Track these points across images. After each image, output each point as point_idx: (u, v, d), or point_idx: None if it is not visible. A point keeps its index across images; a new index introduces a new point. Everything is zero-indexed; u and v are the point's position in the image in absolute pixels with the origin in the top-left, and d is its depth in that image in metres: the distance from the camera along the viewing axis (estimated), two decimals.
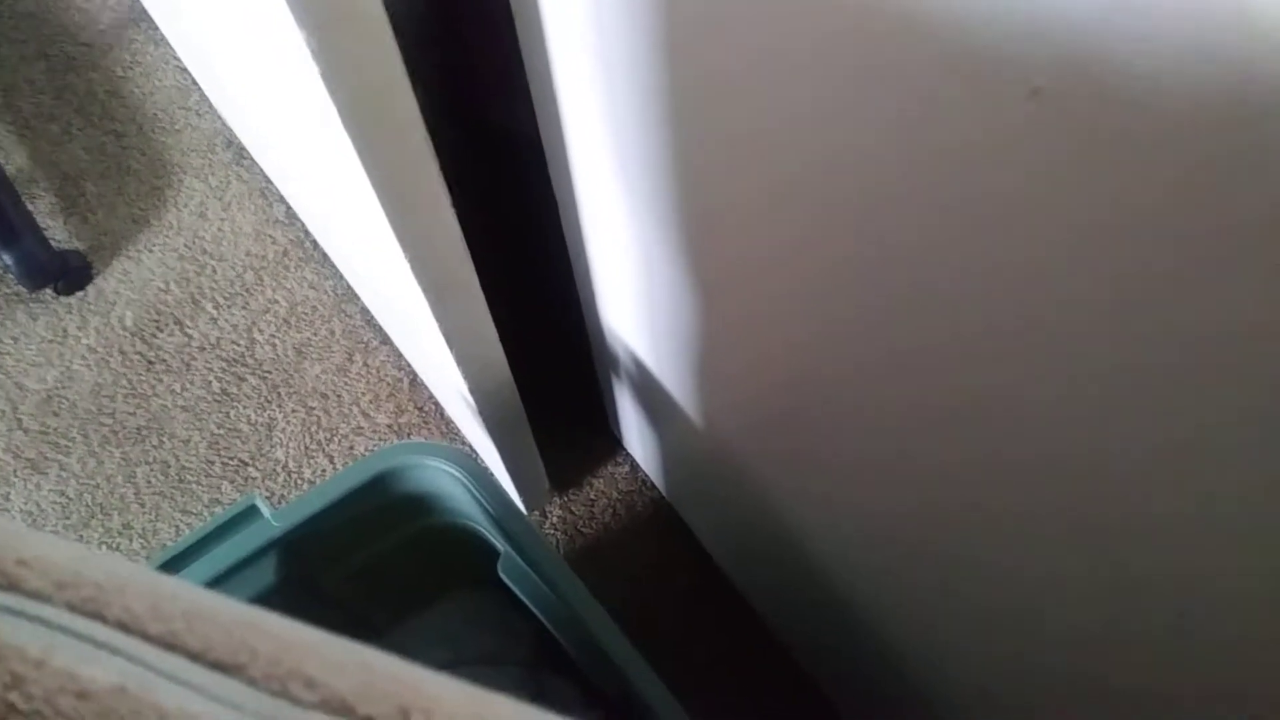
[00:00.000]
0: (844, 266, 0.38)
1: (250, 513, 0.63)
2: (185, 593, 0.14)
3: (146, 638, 0.13)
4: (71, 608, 0.13)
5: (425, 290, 0.55)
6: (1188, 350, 0.25)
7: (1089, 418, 0.31)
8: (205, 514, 1.03)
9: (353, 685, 0.13)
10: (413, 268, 0.53)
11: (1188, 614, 0.33)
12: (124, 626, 0.13)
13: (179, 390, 1.09)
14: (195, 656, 0.13)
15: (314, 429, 1.07)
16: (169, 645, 0.13)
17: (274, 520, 0.63)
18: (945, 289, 0.33)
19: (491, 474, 0.66)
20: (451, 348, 0.62)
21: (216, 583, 0.62)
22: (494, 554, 0.68)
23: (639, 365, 0.76)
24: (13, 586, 0.13)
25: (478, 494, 0.65)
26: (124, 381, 1.10)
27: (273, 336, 1.12)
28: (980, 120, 0.26)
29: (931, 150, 0.29)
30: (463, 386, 0.69)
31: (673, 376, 0.70)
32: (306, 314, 1.13)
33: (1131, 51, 0.21)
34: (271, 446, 1.06)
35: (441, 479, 0.68)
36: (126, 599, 0.14)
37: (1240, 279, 0.22)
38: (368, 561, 0.73)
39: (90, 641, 0.13)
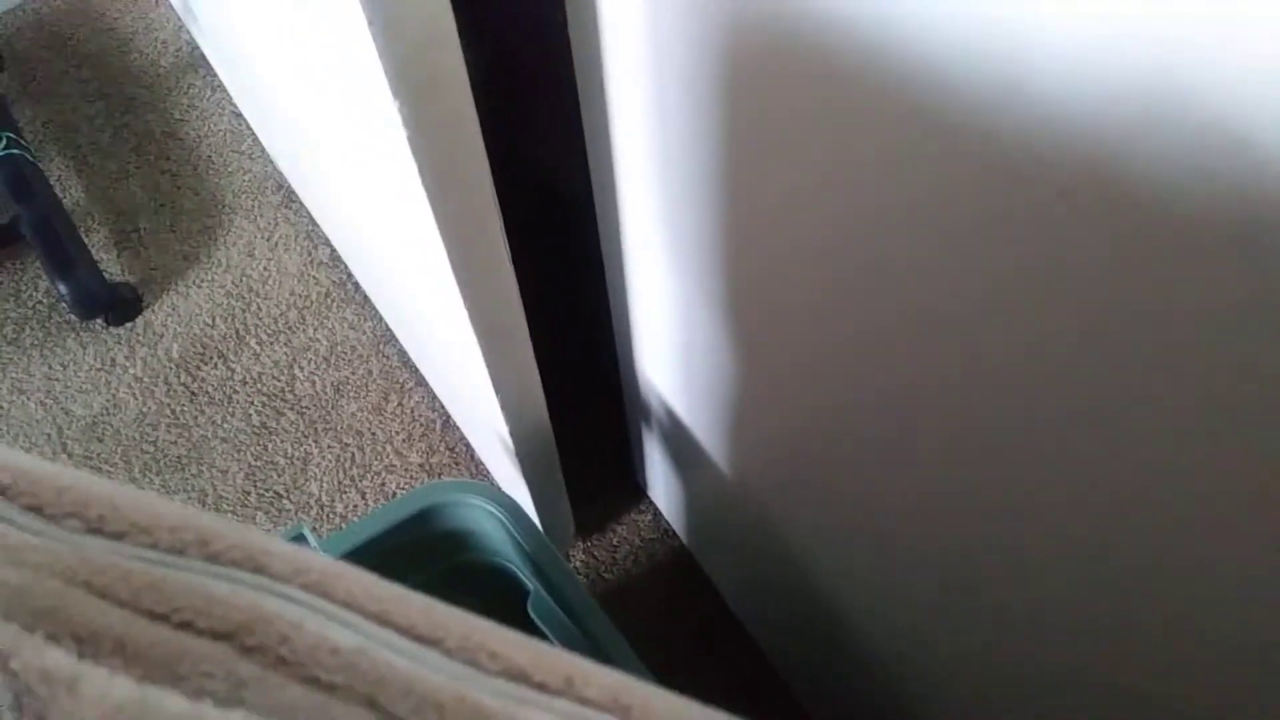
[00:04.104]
0: (884, 331, 0.42)
1: (298, 542, 0.66)
2: (384, 582, 0.18)
3: (365, 614, 0.17)
4: (306, 588, 0.16)
5: (479, 335, 0.59)
6: (1205, 423, 0.28)
7: (1135, 474, 0.33)
8: None
9: (527, 657, 0.17)
10: (470, 314, 0.57)
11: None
12: (347, 605, 0.16)
13: (220, 422, 1.13)
14: (403, 631, 0.17)
15: (348, 465, 1.10)
16: (383, 621, 0.17)
17: (321, 550, 0.66)
18: (983, 359, 0.36)
19: (528, 515, 0.69)
20: (498, 391, 0.65)
21: None
22: (524, 592, 0.71)
23: (671, 416, 0.79)
24: (260, 570, 0.16)
25: (515, 532, 0.68)
26: (167, 411, 1.14)
27: (312, 374, 1.16)
28: (1015, 214, 0.29)
29: (970, 232, 0.32)
30: (503, 429, 0.72)
31: (704, 428, 0.73)
32: (346, 354, 1.17)
33: (1151, 167, 0.24)
34: (306, 480, 1.09)
35: (479, 516, 0.71)
36: (346, 583, 0.17)
37: (1249, 351, 0.25)
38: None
39: (325, 615, 0.16)
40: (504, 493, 0.69)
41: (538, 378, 0.68)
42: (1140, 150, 0.24)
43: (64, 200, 1.26)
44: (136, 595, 0.15)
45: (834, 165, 0.37)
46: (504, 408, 0.68)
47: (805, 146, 0.38)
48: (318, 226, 1.26)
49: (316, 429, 1.12)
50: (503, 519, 0.68)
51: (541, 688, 0.16)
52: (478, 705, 0.15)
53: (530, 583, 0.73)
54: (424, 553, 0.74)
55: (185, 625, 0.15)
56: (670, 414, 0.79)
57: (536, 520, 0.93)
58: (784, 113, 0.38)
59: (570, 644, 0.69)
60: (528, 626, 0.71)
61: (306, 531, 0.67)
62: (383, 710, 0.15)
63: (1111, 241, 0.26)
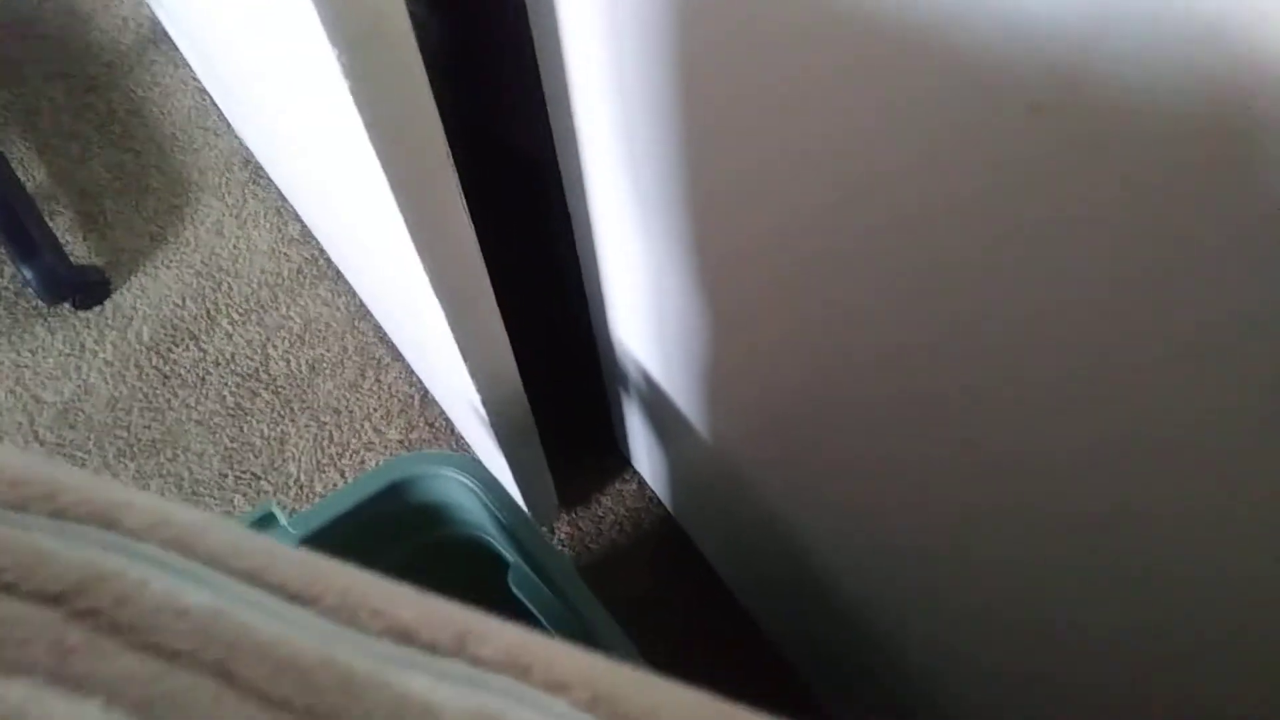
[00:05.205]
0: (856, 282, 0.40)
1: (267, 520, 0.64)
2: (258, 537, 0.16)
3: (230, 572, 0.15)
4: (164, 544, 0.15)
5: (442, 300, 0.57)
6: (1184, 347, 0.26)
7: (1098, 419, 0.32)
8: None
9: (415, 614, 0.15)
10: (430, 277, 0.55)
11: (1186, 613, 0.34)
12: (210, 562, 0.15)
13: (193, 404, 1.11)
14: (274, 589, 0.15)
15: (326, 444, 1.08)
16: (251, 579, 0.15)
17: (291, 527, 0.64)
18: (958, 304, 0.35)
19: (503, 485, 0.67)
20: (466, 358, 0.63)
21: None
22: (505, 566, 0.70)
23: (649, 382, 0.77)
24: (112, 525, 0.15)
25: (489, 504, 0.66)
26: (139, 395, 1.12)
27: (286, 352, 1.14)
28: (986, 135, 0.27)
29: (941, 165, 0.30)
30: (475, 398, 0.70)
31: (683, 393, 0.71)
32: (320, 330, 1.15)
33: (1121, 71, 0.22)
34: (284, 460, 1.07)
35: (454, 489, 0.69)
36: (210, 539, 0.15)
37: (1227, 276, 0.23)
38: (381, 572, 0.74)
39: (182, 573, 0.14)
40: (478, 464, 0.67)
41: (507, 343, 0.66)
42: (1110, 52, 0.22)
43: (26, 183, 1.23)
44: None
45: (796, 102, 0.35)
46: (474, 375, 0.66)
47: (767, 85, 0.36)
48: (287, 202, 1.23)
49: (292, 408, 1.10)
50: (477, 491, 0.66)
51: (430, 648, 0.15)
52: (347, 670, 0.13)
53: (510, 555, 0.72)
54: (400, 528, 0.73)
55: (8, 588, 0.13)
56: (648, 380, 0.77)
57: (518, 492, 0.91)
58: (742, 47, 0.36)
59: (552, 617, 0.68)
60: (509, 600, 0.70)
61: (275, 509, 0.65)
62: (233, 678, 0.13)
63: (1087, 155, 0.24)
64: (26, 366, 1.14)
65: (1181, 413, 0.27)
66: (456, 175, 0.50)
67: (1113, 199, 0.25)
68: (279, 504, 1.03)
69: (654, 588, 0.99)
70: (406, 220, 0.49)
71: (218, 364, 1.13)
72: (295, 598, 0.15)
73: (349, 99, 0.41)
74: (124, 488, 0.15)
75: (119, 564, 0.14)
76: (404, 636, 0.15)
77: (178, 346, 1.15)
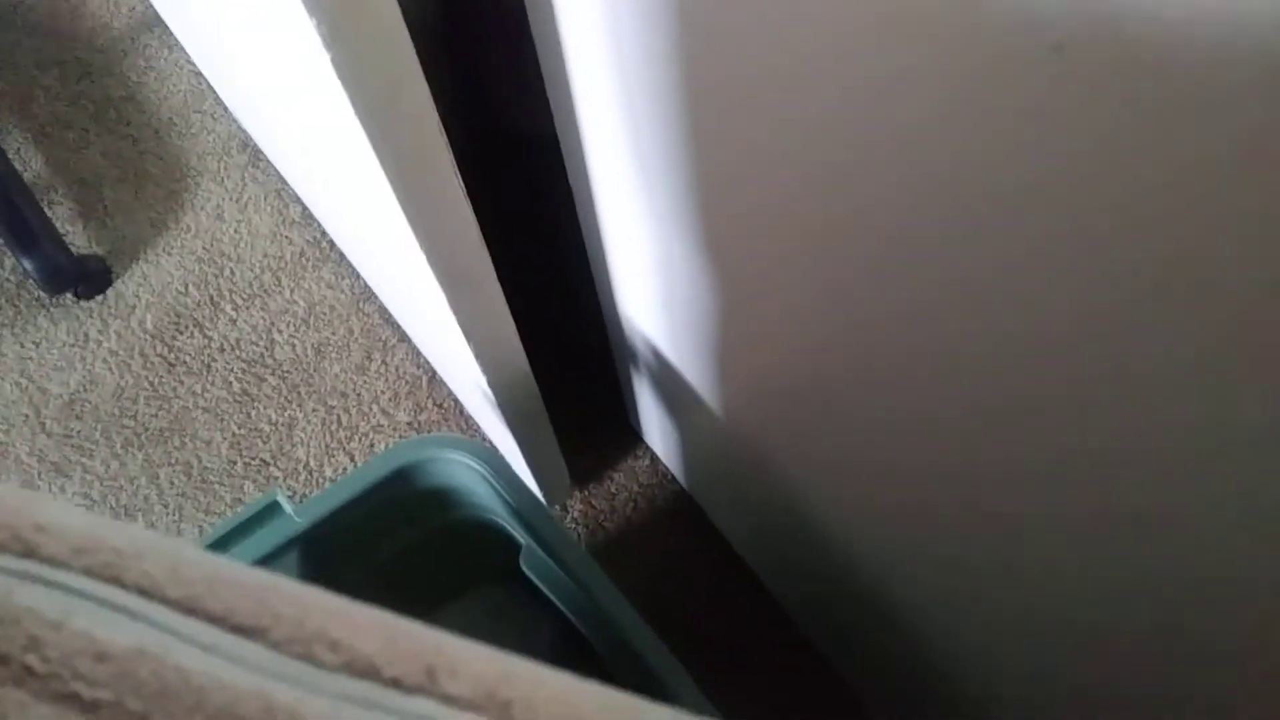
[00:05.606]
0: (866, 255, 0.38)
1: (273, 509, 0.63)
2: (206, 560, 0.14)
3: (166, 602, 0.13)
4: (89, 573, 0.13)
5: (442, 282, 0.55)
6: (1208, 333, 0.24)
7: (1112, 409, 0.30)
8: (228, 514, 1.03)
9: (377, 646, 0.13)
10: (429, 259, 0.53)
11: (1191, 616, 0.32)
12: (143, 591, 0.13)
13: (200, 391, 1.10)
14: (216, 620, 0.13)
15: (334, 427, 1.07)
16: (189, 610, 0.13)
17: (296, 516, 0.63)
18: (967, 274, 0.33)
19: (511, 467, 0.66)
20: (469, 340, 0.62)
21: None
22: (516, 548, 0.68)
23: (658, 357, 0.75)
24: (30, 553, 0.13)
25: (498, 486, 0.65)
26: (145, 384, 1.11)
27: (292, 337, 1.12)
28: (1003, 81, 0.25)
29: (957, 118, 0.28)
30: (481, 380, 0.69)
31: (693, 368, 0.70)
32: (325, 314, 1.14)
33: (1151, 7, 0.20)
34: (293, 446, 1.06)
35: (462, 472, 0.68)
36: (145, 564, 0.13)
37: (1262, 252, 0.22)
38: (390, 557, 0.73)
39: (109, 605, 0.13)
40: (484, 445, 0.66)
41: (512, 324, 0.64)
42: None
43: (24, 174, 1.22)
44: None
45: (806, 57, 0.33)
46: (479, 357, 0.64)
47: (773, 44, 0.34)
48: (287, 185, 1.21)
49: (300, 393, 1.09)
50: (484, 473, 0.65)
51: (395, 684, 0.13)
52: (291, 715, 0.12)
53: (521, 537, 0.70)
54: (409, 512, 0.71)
55: None
56: (657, 355, 0.75)
57: (528, 471, 0.90)
58: (749, 8, 0.34)
59: (565, 598, 0.67)
60: (522, 581, 0.68)
61: (280, 497, 0.64)
62: None
63: (1111, 101, 0.23)
64: (31, 359, 1.13)
65: (1232, 401, 0.26)
66: (450, 151, 0.48)
67: (1138, 145, 0.23)
68: (288, 490, 1.02)
69: (670, 564, 0.98)
70: (400, 198, 0.48)
71: (223, 350, 1.12)
72: (240, 629, 0.13)
73: (331, 71, 0.40)
74: (52, 505, 0.14)
75: (33, 599, 0.12)
76: (364, 671, 0.13)
77: (182, 334, 1.14)
